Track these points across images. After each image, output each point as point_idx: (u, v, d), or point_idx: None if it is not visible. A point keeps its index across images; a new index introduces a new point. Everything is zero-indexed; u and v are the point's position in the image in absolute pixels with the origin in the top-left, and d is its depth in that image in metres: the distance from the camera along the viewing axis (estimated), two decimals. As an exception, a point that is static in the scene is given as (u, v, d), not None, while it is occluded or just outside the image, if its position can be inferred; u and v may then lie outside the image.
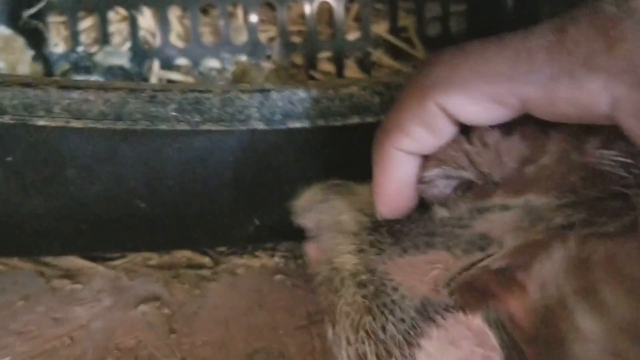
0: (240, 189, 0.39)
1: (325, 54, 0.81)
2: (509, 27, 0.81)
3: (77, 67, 0.65)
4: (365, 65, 0.81)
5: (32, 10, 0.73)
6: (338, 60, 0.81)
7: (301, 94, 0.34)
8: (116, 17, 0.77)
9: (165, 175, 0.38)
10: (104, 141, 0.36)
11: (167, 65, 0.77)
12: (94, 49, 0.76)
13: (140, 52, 0.76)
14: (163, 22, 0.77)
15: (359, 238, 0.31)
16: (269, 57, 0.80)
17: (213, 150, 0.37)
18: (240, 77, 0.78)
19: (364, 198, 0.33)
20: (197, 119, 0.33)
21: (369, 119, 0.35)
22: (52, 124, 0.32)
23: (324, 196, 0.34)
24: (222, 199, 0.39)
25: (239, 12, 0.79)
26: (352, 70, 0.81)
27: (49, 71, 0.74)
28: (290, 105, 0.34)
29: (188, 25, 0.78)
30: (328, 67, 0.81)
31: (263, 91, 0.34)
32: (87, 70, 0.63)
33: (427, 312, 0.25)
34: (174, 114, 0.33)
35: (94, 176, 0.38)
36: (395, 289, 0.27)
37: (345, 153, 0.37)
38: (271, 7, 0.80)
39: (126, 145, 0.36)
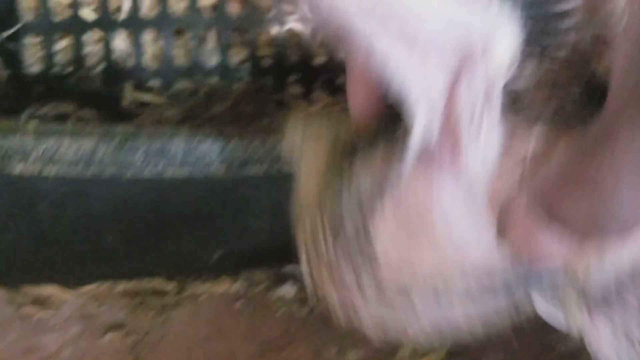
0: (203, 223, 0.42)
1: (294, 77, 0.84)
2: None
3: (51, 91, 0.67)
4: (333, 88, 0.84)
5: (9, 32, 0.75)
6: (306, 83, 0.84)
7: (256, 143, 0.37)
8: (91, 38, 0.79)
9: (132, 212, 0.41)
10: (75, 181, 0.39)
11: (141, 86, 0.80)
12: (68, 70, 0.78)
13: (114, 74, 0.78)
14: (137, 44, 0.79)
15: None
16: (239, 80, 0.82)
17: (177, 189, 0.40)
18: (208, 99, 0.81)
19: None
20: (161, 166, 0.36)
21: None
22: (28, 171, 0.35)
23: (307, 131, 0.35)
24: (186, 232, 0.42)
25: (211, 35, 0.82)
26: (319, 92, 0.85)
27: (24, 92, 0.76)
28: (250, 151, 0.37)
29: (162, 47, 0.80)
30: (297, 89, 0.84)
31: (224, 138, 0.37)
32: (61, 94, 0.65)
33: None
34: (140, 160, 0.36)
35: (64, 213, 0.40)
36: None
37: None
38: (242, 31, 0.82)
39: (96, 185, 0.39)
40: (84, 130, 0.36)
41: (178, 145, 0.36)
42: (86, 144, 0.34)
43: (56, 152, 0.35)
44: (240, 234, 0.41)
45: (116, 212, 0.39)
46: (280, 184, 0.39)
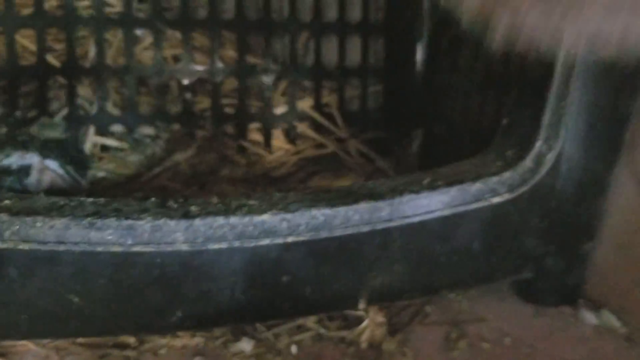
0: (165, 287, 0.45)
1: (255, 125, 0.88)
2: (418, 103, 0.91)
3: (14, 141, 0.69)
4: (291, 136, 0.89)
5: (-27, 76, 0.76)
6: (266, 131, 0.88)
7: (221, 220, 0.41)
8: (55, 83, 0.81)
9: (98, 275, 0.43)
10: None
11: (103, 131, 0.82)
12: (32, 114, 0.80)
13: (77, 118, 0.81)
14: (101, 91, 0.81)
15: None
16: (202, 127, 0.86)
17: (143, 260, 0.43)
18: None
19: None
20: (130, 242, 0.39)
21: (278, 241, 0.42)
22: (2, 246, 0.37)
23: None
24: (148, 295, 0.45)
25: (174, 83, 0.85)
26: (279, 140, 0.89)
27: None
28: (211, 230, 0.41)
29: (125, 94, 0.83)
30: (257, 137, 0.88)
31: (188, 218, 0.41)
32: (25, 144, 0.67)
33: None
34: (110, 237, 0.39)
35: (33, 277, 0.42)
36: None
37: (259, 269, 0.44)
38: (206, 80, 0.86)
39: (66, 256, 0.42)
40: (56, 205, 0.39)
41: (145, 223, 0.39)
42: (58, 223, 0.37)
43: (30, 230, 0.37)
44: (200, 297, 0.44)
45: (83, 276, 0.42)
46: (241, 254, 0.43)
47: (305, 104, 0.89)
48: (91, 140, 0.81)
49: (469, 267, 0.53)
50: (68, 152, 0.73)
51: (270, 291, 0.46)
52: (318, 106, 0.89)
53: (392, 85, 0.91)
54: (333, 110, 0.89)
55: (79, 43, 0.81)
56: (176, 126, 0.85)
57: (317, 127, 0.89)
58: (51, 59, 0.80)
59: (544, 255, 0.57)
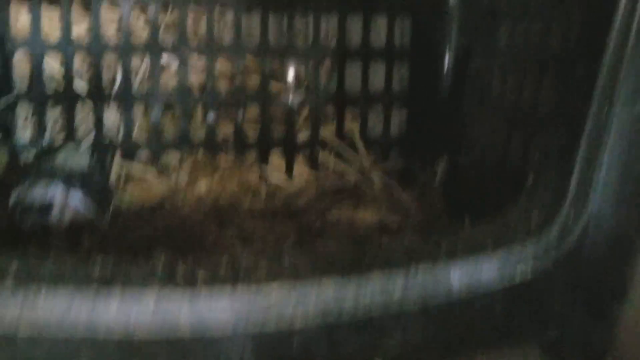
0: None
1: (277, 151, 0.87)
2: (442, 131, 0.88)
3: (39, 169, 0.70)
4: (314, 162, 0.87)
5: (3, 104, 0.77)
6: (289, 157, 0.87)
7: (225, 300, 0.40)
8: (82, 108, 0.82)
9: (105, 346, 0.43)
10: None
11: (129, 157, 0.82)
12: (59, 139, 0.80)
13: (103, 145, 0.81)
14: (127, 117, 0.82)
15: None
16: (225, 153, 0.85)
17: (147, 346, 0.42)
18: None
19: None
20: (132, 323, 0.39)
21: (287, 312, 0.42)
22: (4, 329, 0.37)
23: None
24: None
25: (199, 111, 0.85)
26: (301, 165, 0.88)
27: (14, 159, 0.78)
28: (214, 307, 0.40)
29: (151, 120, 0.82)
30: (279, 162, 0.87)
31: (194, 291, 0.40)
32: (49, 173, 0.68)
33: None
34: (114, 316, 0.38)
35: (43, 338, 0.42)
36: None
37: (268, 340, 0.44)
38: (229, 106, 0.85)
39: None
40: (61, 274, 0.39)
41: (149, 303, 0.38)
42: (62, 300, 0.37)
43: (32, 305, 0.37)
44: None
45: (91, 343, 0.41)
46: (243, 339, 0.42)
47: (327, 131, 0.87)
48: (117, 166, 0.81)
49: (490, 331, 0.52)
50: (92, 180, 0.74)
51: (281, 357, 0.46)
52: (340, 133, 0.87)
53: (417, 112, 0.88)
54: (355, 137, 0.88)
55: (106, 69, 0.81)
56: (200, 152, 0.84)
57: (339, 153, 0.87)
58: (78, 84, 0.81)
59: (571, 316, 0.55)
